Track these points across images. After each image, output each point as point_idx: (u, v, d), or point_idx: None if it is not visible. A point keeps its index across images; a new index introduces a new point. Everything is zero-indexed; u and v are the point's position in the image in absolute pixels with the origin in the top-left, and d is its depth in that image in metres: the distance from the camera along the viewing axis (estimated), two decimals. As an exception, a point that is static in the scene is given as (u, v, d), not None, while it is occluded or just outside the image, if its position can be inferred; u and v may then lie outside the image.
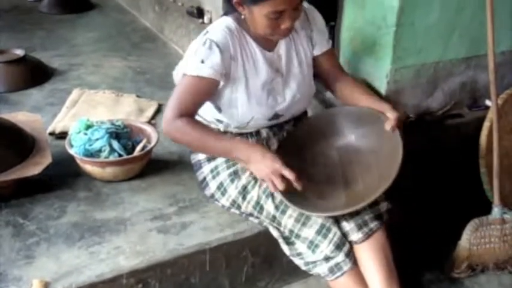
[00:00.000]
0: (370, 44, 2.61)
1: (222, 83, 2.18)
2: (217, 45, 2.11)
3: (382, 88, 2.61)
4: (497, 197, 2.59)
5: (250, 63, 2.23)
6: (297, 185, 2.04)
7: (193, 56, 2.12)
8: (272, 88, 2.29)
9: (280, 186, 2.02)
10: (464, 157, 2.77)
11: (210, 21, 4.02)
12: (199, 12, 4.13)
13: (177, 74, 2.35)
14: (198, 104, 2.19)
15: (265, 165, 2.05)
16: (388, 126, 2.18)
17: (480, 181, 2.73)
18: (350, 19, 2.72)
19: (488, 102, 2.94)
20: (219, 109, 2.28)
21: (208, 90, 2.17)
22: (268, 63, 2.27)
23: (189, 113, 2.14)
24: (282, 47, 2.31)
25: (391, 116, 2.19)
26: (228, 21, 2.20)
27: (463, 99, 2.93)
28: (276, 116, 2.34)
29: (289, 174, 2.02)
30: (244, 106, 2.25)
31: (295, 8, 2.08)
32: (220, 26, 2.17)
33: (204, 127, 2.22)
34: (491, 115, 2.63)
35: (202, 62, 2.09)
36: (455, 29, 2.67)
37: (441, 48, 2.68)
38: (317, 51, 2.43)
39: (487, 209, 2.60)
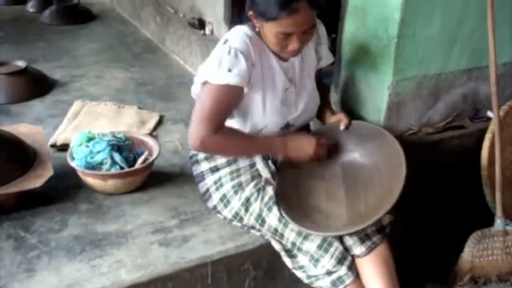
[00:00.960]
0: (372, 56, 2.60)
1: (246, 90, 2.18)
2: (242, 53, 2.12)
3: (384, 100, 2.60)
4: (499, 208, 2.58)
5: (268, 71, 2.25)
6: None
7: (218, 65, 2.11)
8: (286, 97, 2.32)
9: (324, 152, 2.30)
10: (466, 169, 2.77)
11: (212, 32, 4.06)
12: (201, 24, 4.18)
13: (197, 88, 2.34)
14: (229, 113, 2.21)
15: (305, 142, 2.27)
16: (343, 125, 2.42)
17: (482, 193, 2.71)
18: (351, 31, 2.71)
19: (490, 114, 2.93)
20: (232, 115, 2.28)
21: (237, 98, 2.18)
22: (284, 73, 2.30)
23: (222, 124, 2.15)
24: (296, 58, 2.33)
25: (346, 119, 2.44)
26: (245, 29, 2.20)
27: (465, 110, 2.93)
28: (288, 125, 2.37)
29: (324, 141, 2.30)
30: (259, 114, 2.27)
31: (305, 32, 2.10)
32: (239, 33, 2.18)
33: (238, 133, 2.27)
34: (493, 127, 2.62)
35: (230, 70, 2.09)
36: (457, 41, 2.66)
37: (442, 59, 2.67)
38: (322, 64, 2.50)
39: (489, 221, 2.59)
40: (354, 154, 2.40)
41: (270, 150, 2.29)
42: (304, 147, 2.25)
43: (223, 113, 2.14)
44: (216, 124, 2.10)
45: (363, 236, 2.17)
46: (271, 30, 2.09)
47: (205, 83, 2.15)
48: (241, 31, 2.19)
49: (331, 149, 2.30)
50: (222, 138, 2.12)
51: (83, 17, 5.71)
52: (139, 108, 3.52)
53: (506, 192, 2.66)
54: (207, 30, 4.12)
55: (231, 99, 2.15)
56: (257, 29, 2.19)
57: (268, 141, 2.26)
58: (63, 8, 5.66)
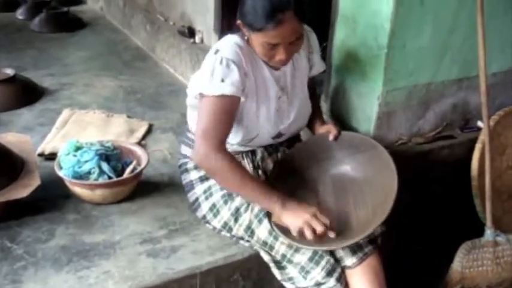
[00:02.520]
0: (362, 65, 2.60)
1: (242, 100, 2.17)
2: (234, 62, 2.10)
3: (374, 110, 2.59)
4: (489, 219, 2.56)
5: (261, 80, 2.24)
6: (330, 233, 2.02)
7: (210, 76, 2.09)
8: (279, 106, 2.31)
9: (320, 229, 1.98)
10: (457, 179, 2.76)
11: (202, 41, 4.05)
12: (191, 32, 4.17)
13: (191, 99, 2.33)
14: (229, 125, 2.15)
15: (302, 210, 2.03)
16: (332, 136, 2.38)
17: (472, 203, 2.71)
18: (341, 40, 2.71)
19: (480, 124, 2.94)
20: None
21: (234, 108, 2.14)
22: (276, 81, 2.28)
23: (224, 137, 2.12)
24: (287, 66, 2.32)
25: (335, 130, 2.40)
26: (236, 38, 2.19)
27: (455, 120, 2.93)
28: (279, 134, 2.36)
29: (325, 219, 2.02)
30: (252, 123, 2.25)
31: (292, 43, 2.10)
32: (230, 43, 2.16)
33: (242, 169, 2.16)
34: (483, 137, 2.61)
35: (223, 81, 2.08)
36: (447, 51, 2.66)
37: (433, 70, 2.67)
38: (314, 72, 2.50)
39: (479, 232, 2.57)
40: (345, 166, 2.39)
41: (265, 199, 2.11)
42: (301, 214, 2.02)
43: (223, 125, 2.11)
44: (218, 138, 2.09)
45: (355, 247, 2.15)
46: (258, 40, 2.09)
47: (201, 95, 2.14)
48: (231, 41, 2.18)
49: (326, 231, 2.03)
50: (223, 162, 2.06)
51: (73, 24, 5.69)
52: (129, 116, 3.51)
53: (496, 203, 2.65)
54: (197, 39, 4.11)
55: (229, 110, 2.12)
56: (246, 38, 2.18)
57: (268, 190, 2.11)
58: (53, 15, 5.63)
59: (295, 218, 2.03)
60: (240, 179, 2.09)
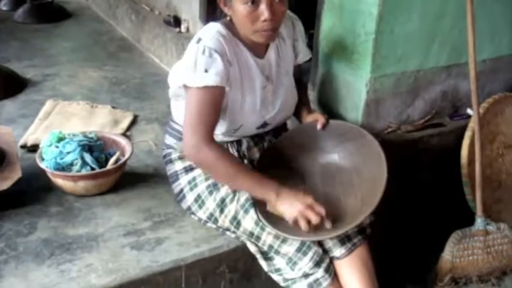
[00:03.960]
0: (349, 52, 2.56)
1: (227, 89, 2.12)
2: (217, 52, 2.05)
3: (362, 97, 2.56)
4: (480, 207, 2.56)
5: (245, 69, 2.19)
6: (327, 224, 1.98)
7: (193, 67, 2.04)
8: (264, 96, 2.26)
9: (315, 220, 1.94)
10: (446, 167, 2.74)
11: (187, 30, 4.03)
12: (176, 22, 4.15)
13: (173, 89, 2.29)
14: (217, 115, 2.10)
15: (298, 200, 1.98)
16: (320, 125, 2.34)
17: (463, 192, 2.68)
18: (328, 27, 2.67)
19: (469, 111, 2.91)
20: None
21: (220, 98, 2.10)
22: (261, 70, 2.24)
23: (212, 129, 2.08)
24: (271, 54, 2.28)
25: (323, 119, 2.36)
26: (218, 26, 2.14)
27: (444, 108, 2.90)
28: (264, 124, 2.32)
29: (321, 210, 1.97)
30: (236, 113, 2.21)
31: (275, 2, 2.04)
32: (212, 32, 2.11)
33: (234, 158, 2.15)
34: (473, 124, 2.61)
35: (206, 71, 2.03)
36: (436, 37, 2.63)
37: (421, 56, 2.63)
38: (299, 60, 2.46)
39: (470, 220, 2.57)
40: (333, 155, 2.37)
41: (260, 188, 2.07)
42: (296, 204, 1.98)
43: (210, 116, 2.07)
44: (206, 129, 2.04)
45: (343, 238, 2.13)
46: (239, 3, 2.02)
47: (185, 86, 2.09)
48: (214, 29, 2.13)
49: (323, 220, 1.99)
50: (215, 154, 2.03)
51: (57, 15, 5.61)
52: (113, 107, 3.46)
53: (486, 191, 2.64)
54: (183, 28, 4.08)
55: (215, 101, 2.07)
56: (228, 18, 2.13)
57: (261, 180, 2.07)
58: (37, 6, 5.56)
59: (290, 207, 1.99)
60: (233, 169, 2.06)
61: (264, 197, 2.07)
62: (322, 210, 1.96)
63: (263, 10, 2.02)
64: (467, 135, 2.65)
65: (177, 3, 4.20)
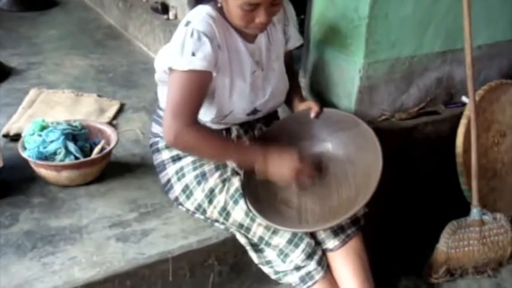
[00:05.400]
0: (342, 37, 2.50)
1: (214, 74, 2.04)
2: (206, 35, 1.97)
3: (355, 84, 2.50)
4: (475, 197, 2.53)
5: (235, 53, 2.13)
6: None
7: (181, 50, 1.96)
8: (253, 81, 2.20)
9: (308, 181, 2.01)
10: (441, 156, 2.71)
11: (175, 17, 3.99)
12: (164, 8, 4.10)
13: (160, 74, 2.22)
14: (201, 101, 2.03)
15: (285, 165, 2.01)
16: (313, 113, 2.28)
17: (457, 181, 2.65)
18: (320, 11, 2.61)
19: (464, 99, 2.87)
20: None
21: (205, 84, 2.02)
22: (250, 55, 2.17)
23: (195, 115, 2.01)
24: (262, 39, 2.22)
25: (316, 107, 2.30)
26: (208, 9, 2.06)
27: (439, 95, 2.86)
28: (255, 111, 2.25)
29: (309, 170, 2.06)
30: (225, 99, 2.14)
31: (273, 4, 1.97)
32: (201, 14, 2.03)
33: (215, 133, 2.13)
34: (468, 112, 2.57)
35: (193, 54, 1.95)
36: (431, 22, 2.58)
37: (416, 41, 2.58)
38: (290, 46, 2.39)
39: (465, 210, 2.54)
40: (326, 144, 2.31)
41: (247, 156, 2.07)
42: (284, 168, 2.01)
43: (194, 102, 1.99)
44: (189, 115, 1.97)
45: (337, 229, 2.09)
46: (236, 2, 1.95)
47: (170, 69, 2.01)
48: (203, 11, 2.05)
49: (313, 174, 2.09)
50: (197, 134, 1.97)
51: (44, 3, 5.52)
52: (99, 96, 3.39)
53: (481, 180, 2.60)
54: (171, 15, 4.02)
55: (200, 86, 2.00)
56: (219, 5, 2.06)
57: (247, 148, 2.09)
58: (22, -6, 5.47)
59: (280, 169, 2.01)
60: (217, 145, 2.05)
61: (252, 163, 2.05)
62: (310, 170, 2.03)
63: (260, 14, 1.97)
64: (463, 123, 2.62)
65: (165, -11, 4.14)
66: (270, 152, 2.03)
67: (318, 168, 2.08)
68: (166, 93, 2.03)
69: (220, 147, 2.05)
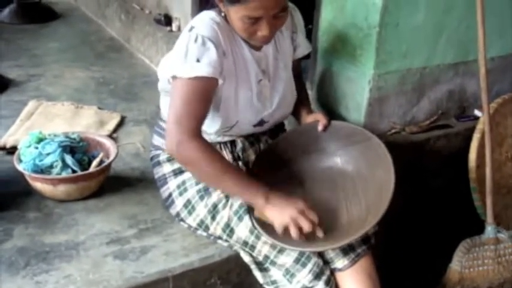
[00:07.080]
0: (351, 47, 2.44)
1: (220, 82, 1.96)
2: (211, 40, 1.90)
3: (364, 96, 2.44)
4: (490, 215, 2.46)
5: (240, 61, 2.06)
6: (319, 232, 1.84)
7: (184, 56, 1.89)
8: (260, 91, 2.13)
9: (308, 227, 1.80)
10: (453, 171, 2.66)
11: (179, 29, 3.98)
12: (167, 20, 4.08)
13: (163, 83, 2.16)
14: (206, 110, 1.94)
15: (288, 205, 1.84)
16: (321, 126, 2.22)
17: (471, 197, 2.59)
18: (328, 20, 2.55)
19: (477, 113, 2.82)
20: None
21: (211, 91, 1.94)
22: (257, 63, 2.11)
23: (199, 125, 1.92)
24: (269, 47, 2.15)
25: (324, 119, 2.24)
26: (212, 15, 2.00)
27: (451, 108, 2.80)
28: (261, 122, 2.18)
29: (313, 216, 1.83)
30: (231, 109, 2.07)
31: (276, 16, 1.90)
32: (206, 19, 1.96)
33: (220, 157, 1.97)
34: (482, 126, 2.51)
35: (198, 60, 1.88)
36: (443, 32, 2.52)
37: (428, 52, 2.53)
38: (299, 54, 2.34)
39: (479, 228, 2.47)
40: (335, 159, 2.24)
41: (247, 191, 1.92)
42: (287, 209, 1.84)
43: (199, 111, 1.91)
44: (194, 124, 1.88)
45: (347, 248, 2.01)
46: (237, 15, 1.89)
47: (174, 77, 1.93)
48: (207, 17, 1.98)
49: (314, 229, 1.87)
50: (200, 149, 1.87)
51: (45, 15, 5.50)
52: (100, 108, 3.34)
53: (496, 197, 2.52)
54: (174, 27, 3.99)
55: (205, 94, 1.92)
56: (223, 14, 1.99)
57: (249, 184, 1.92)
58: (24, 6, 5.45)
59: (280, 213, 1.84)
60: (219, 168, 1.90)
61: (251, 201, 1.93)
62: (315, 217, 1.83)
63: (263, 28, 1.91)
64: (476, 137, 2.55)
65: (168, 1, 4.12)
66: (271, 197, 1.88)
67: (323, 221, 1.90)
68: (169, 102, 1.95)
69: (221, 172, 1.90)
